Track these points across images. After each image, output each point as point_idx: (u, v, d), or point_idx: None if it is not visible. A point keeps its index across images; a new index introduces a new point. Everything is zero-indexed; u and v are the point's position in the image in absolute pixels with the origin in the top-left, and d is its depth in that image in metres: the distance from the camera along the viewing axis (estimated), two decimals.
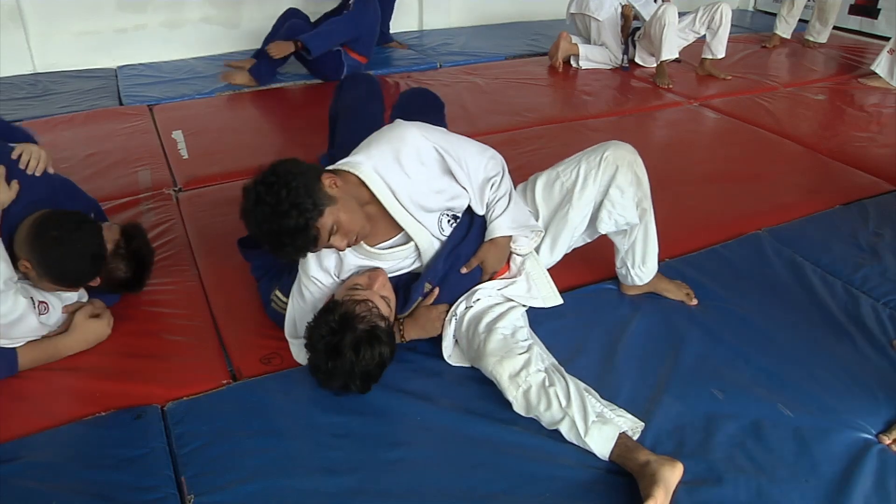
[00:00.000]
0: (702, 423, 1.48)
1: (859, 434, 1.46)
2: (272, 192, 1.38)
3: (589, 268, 2.03)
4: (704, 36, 4.04)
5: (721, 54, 4.01)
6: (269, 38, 3.71)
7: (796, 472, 1.36)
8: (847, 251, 2.16)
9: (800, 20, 4.85)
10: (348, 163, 1.58)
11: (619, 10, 4.09)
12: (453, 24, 4.95)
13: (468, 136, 1.77)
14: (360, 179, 1.55)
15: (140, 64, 3.98)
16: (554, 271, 2.01)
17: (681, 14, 3.95)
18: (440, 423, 1.48)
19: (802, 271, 2.05)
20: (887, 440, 1.45)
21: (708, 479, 1.34)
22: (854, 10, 5.35)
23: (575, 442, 1.40)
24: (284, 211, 1.38)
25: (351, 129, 2.12)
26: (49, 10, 3.77)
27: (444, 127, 2.25)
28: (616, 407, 1.46)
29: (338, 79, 3.60)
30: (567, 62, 4.20)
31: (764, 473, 1.35)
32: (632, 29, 4.13)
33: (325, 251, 1.55)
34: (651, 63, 4.09)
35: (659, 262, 2.05)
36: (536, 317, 1.79)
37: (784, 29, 4.78)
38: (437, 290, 1.67)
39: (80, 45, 3.90)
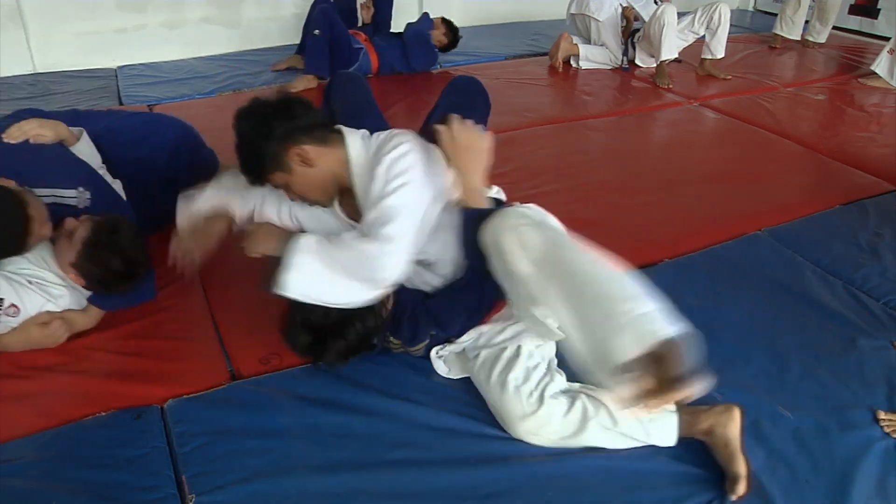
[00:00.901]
0: None
1: (860, 434, 1.46)
2: (249, 130, 1.47)
3: None
4: (704, 36, 4.05)
5: (720, 54, 4.01)
6: (306, 27, 3.76)
7: (796, 473, 1.36)
8: (847, 251, 2.16)
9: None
10: (349, 132, 1.56)
11: (620, 10, 4.10)
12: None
13: None
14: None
15: (140, 64, 3.98)
16: None
17: (680, 14, 3.96)
18: (442, 423, 1.48)
19: (802, 271, 2.05)
20: (882, 416, 1.48)
21: (708, 479, 1.34)
22: (854, 10, 5.35)
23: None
24: (247, 152, 1.49)
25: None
26: (49, 11, 3.77)
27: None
28: None
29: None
30: (567, 62, 4.21)
31: (764, 474, 1.35)
32: (632, 30, 4.13)
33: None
34: (651, 63, 4.10)
35: (659, 261, 2.06)
36: None
37: (789, 30, 4.77)
38: None
39: (81, 45, 3.90)
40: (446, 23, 4.08)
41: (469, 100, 2.22)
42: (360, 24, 4.05)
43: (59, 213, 1.68)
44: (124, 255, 1.62)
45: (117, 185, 1.89)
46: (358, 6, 4.00)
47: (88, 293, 1.71)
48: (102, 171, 1.87)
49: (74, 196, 1.69)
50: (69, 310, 1.68)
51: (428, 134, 2.12)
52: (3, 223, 1.49)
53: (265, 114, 1.47)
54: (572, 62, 4.20)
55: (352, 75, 2.31)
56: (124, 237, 1.63)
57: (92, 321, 1.72)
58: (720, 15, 3.92)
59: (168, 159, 2.09)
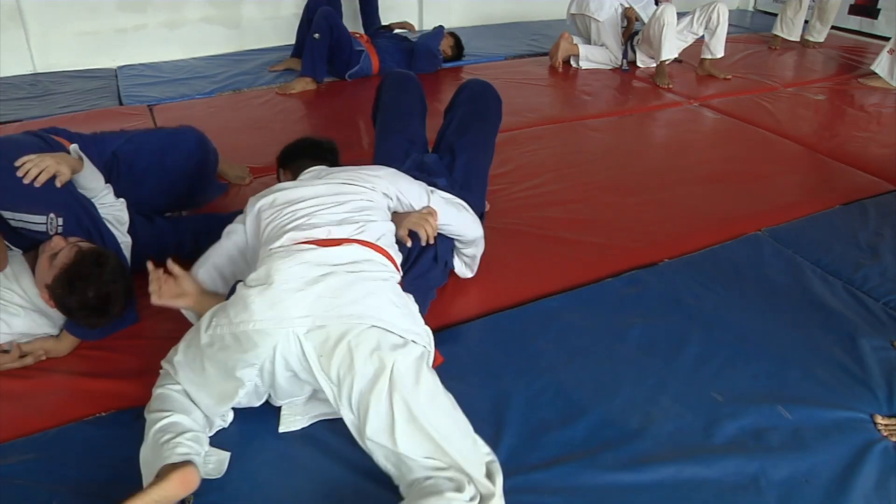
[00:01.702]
0: (701, 423, 1.48)
1: (860, 434, 1.46)
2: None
3: (589, 267, 2.03)
4: (703, 36, 4.05)
5: (720, 54, 4.01)
6: (301, 30, 3.81)
7: (796, 473, 1.36)
8: (847, 251, 2.16)
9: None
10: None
11: (620, 10, 4.10)
12: (453, 24, 4.95)
13: None
14: None
15: (140, 64, 3.98)
16: (553, 270, 2.02)
17: (680, 14, 3.96)
18: None
19: (802, 271, 2.05)
20: (880, 420, 1.48)
21: (707, 480, 1.34)
22: (854, 10, 5.35)
23: None
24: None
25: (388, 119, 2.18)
26: (49, 11, 3.78)
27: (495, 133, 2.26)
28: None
29: (344, 75, 3.77)
30: (567, 62, 4.21)
31: (764, 474, 1.35)
32: (632, 32, 4.14)
33: None
34: (651, 64, 4.10)
35: (659, 261, 2.06)
36: (535, 318, 1.79)
37: (789, 31, 4.78)
38: None
39: (81, 45, 3.91)
40: (454, 37, 4.12)
41: (484, 107, 2.23)
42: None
43: (30, 237, 1.66)
44: (102, 291, 1.54)
45: (120, 205, 1.89)
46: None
47: (56, 317, 1.65)
48: (105, 192, 1.87)
49: (43, 223, 1.62)
50: (43, 338, 1.64)
51: (446, 140, 2.12)
52: None
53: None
54: (572, 62, 4.20)
55: (405, 76, 2.31)
56: (106, 273, 1.55)
57: (64, 349, 1.65)
58: (718, 14, 3.92)
59: (186, 164, 2.15)
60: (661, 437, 1.44)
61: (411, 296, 1.46)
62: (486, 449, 1.28)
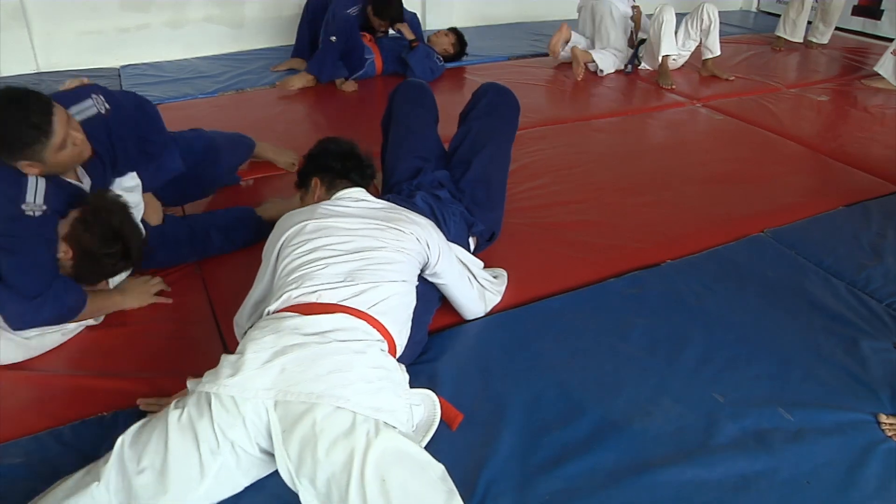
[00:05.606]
0: (702, 424, 1.47)
1: (861, 436, 1.46)
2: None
3: (591, 267, 2.03)
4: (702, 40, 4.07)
5: (718, 50, 4.03)
6: (301, 30, 3.83)
7: (797, 475, 1.36)
8: (850, 252, 2.15)
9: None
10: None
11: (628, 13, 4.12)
12: (456, 24, 4.94)
13: None
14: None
15: (143, 63, 3.99)
16: (555, 270, 2.02)
17: (680, 15, 3.96)
18: None
19: (805, 273, 2.04)
20: (884, 419, 1.48)
21: (708, 481, 1.34)
22: (857, 11, 5.35)
23: None
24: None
25: (399, 136, 2.15)
26: (52, 10, 3.78)
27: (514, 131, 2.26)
28: None
29: (347, 75, 3.75)
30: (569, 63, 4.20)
31: (765, 476, 1.35)
32: (638, 40, 4.14)
33: None
34: (655, 66, 4.10)
35: (661, 262, 2.06)
36: (537, 318, 1.79)
37: (792, 32, 4.77)
38: None
39: (84, 44, 3.91)
40: (455, 33, 4.08)
41: (502, 121, 2.20)
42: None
43: (91, 132, 1.68)
44: (118, 228, 1.61)
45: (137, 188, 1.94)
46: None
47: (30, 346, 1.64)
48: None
49: (93, 105, 1.72)
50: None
51: (461, 155, 2.09)
52: (35, 118, 1.47)
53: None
54: (589, 67, 4.17)
55: (419, 88, 2.28)
56: (120, 212, 1.63)
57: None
58: (708, 14, 3.97)
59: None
60: (662, 437, 1.43)
61: (402, 366, 1.37)
62: None
